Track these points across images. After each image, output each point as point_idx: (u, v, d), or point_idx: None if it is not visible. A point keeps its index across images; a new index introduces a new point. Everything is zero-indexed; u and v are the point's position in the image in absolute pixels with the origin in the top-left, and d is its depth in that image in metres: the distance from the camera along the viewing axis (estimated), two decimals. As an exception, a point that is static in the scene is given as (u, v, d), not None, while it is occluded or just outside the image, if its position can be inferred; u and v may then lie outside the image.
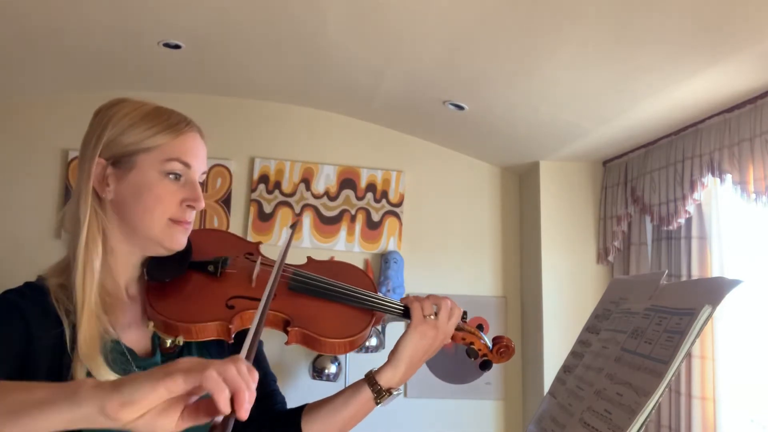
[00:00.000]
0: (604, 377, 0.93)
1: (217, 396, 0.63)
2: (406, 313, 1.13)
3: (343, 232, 3.44)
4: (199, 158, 1.04)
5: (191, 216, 1.03)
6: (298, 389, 3.22)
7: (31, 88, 3.23)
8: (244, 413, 0.64)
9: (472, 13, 2.05)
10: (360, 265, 3.39)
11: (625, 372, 0.89)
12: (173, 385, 0.63)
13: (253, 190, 3.42)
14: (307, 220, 3.43)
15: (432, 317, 1.10)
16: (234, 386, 0.64)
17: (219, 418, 0.64)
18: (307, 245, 3.38)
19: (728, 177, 2.30)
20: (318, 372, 3.10)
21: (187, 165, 1.02)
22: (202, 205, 1.03)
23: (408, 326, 1.11)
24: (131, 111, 1.01)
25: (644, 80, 2.22)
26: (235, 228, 3.37)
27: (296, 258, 1.21)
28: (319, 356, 3.13)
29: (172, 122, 1.02)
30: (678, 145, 2.62)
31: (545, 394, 1.13)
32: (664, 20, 1.83)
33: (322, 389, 3.13)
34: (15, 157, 3.27)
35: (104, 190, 1.00)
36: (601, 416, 0.87)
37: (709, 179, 2.44)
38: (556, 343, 3.13)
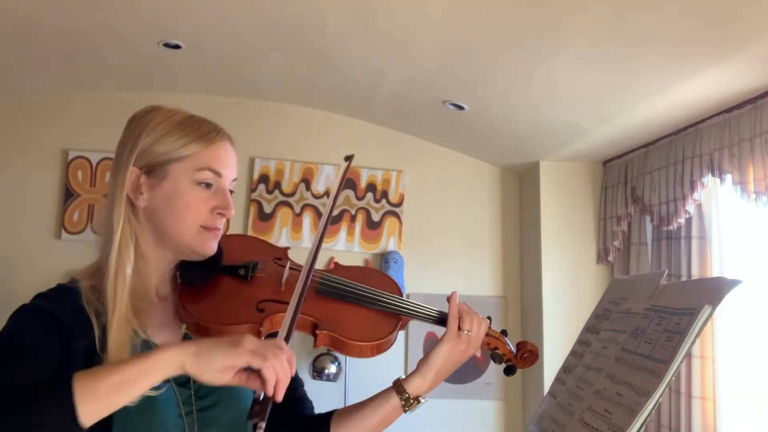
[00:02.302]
0: (604, 377, 0.93)
1: (268, 385, 0.83)
2: (433, 319, 1.15)
3: (343, 232, 3.44)
4: (229, 167, 1.07)
5: (221, 223, 1.06)
6: (298, 389, 3.21)
7: (31, 88, 3.23)
8: (279, 397, 0.85)
9: (473, 13, 2.05)
10: (360, 265, 3.38)
11: (625, 372, 0.89)
12: (239, 362, 0.84)
13: (253, 190, 3.42)
14: (307, 220, 3.43)
15: (467, 333, 1.13)
16: (281, 377, 0.84)
17: (260, 394, 0.85)
18: (308, 245, 3.38)
19: (728, 177, 2.30)
20: (318, 372, 3.09)
21: (218, 174, 1.04)
22: (233, 212, 1.06)
23: (442, 338, 1.13)
24: (164, 120, 1.04)
25: (644, 80, 2.22)
26: (235, 228, 3.37)
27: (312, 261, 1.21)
28: (319, 356, 3.13)
29: (204, 131, 1.04)
30: (678, 145, 2.62)
31: (545, 394, 1.13)
32: (664, 20, 1.83)
33: (322, 389, 3.15)
34: (15, 157, 3.27)
35: (138, 197, 1.02)
36: (601, 416, 0.87)
37: (709, 179, 2.44)
38: (556, 343, 3.12)
